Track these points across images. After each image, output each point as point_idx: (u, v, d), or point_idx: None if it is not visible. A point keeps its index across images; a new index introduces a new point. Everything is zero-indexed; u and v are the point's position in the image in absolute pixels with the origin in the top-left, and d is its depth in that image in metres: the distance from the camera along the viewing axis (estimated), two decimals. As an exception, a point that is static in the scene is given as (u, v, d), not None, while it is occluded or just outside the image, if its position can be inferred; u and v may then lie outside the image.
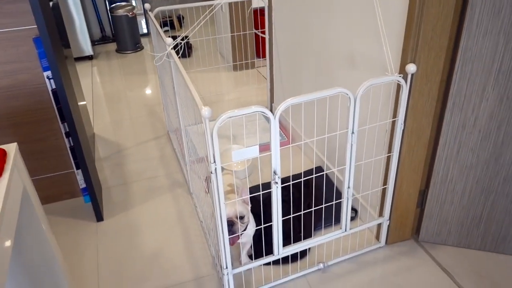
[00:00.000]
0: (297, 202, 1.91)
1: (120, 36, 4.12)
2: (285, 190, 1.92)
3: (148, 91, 3.39)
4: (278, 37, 2.49)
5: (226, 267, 1.47)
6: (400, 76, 1.37)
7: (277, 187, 1.37)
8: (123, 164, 2.41)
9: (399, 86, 1.44)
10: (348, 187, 1.52)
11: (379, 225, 1.75)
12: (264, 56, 3.80)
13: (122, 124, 2.88)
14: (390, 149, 1.57)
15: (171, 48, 1.67)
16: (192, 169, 2.07)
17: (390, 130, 1.55)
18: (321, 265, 1.65)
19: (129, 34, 4.11)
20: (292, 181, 2.01)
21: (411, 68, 1.35)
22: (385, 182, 1.65)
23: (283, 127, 2.64)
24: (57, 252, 1.32)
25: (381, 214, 1.72)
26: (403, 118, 1.46)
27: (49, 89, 1.78)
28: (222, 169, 1.32)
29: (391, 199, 1.65)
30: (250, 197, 1.56)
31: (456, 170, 1.57)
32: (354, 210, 1.93)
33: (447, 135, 1.51)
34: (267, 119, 1.27)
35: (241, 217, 1.47)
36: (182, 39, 1.91)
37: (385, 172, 1.63)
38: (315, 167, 2.25)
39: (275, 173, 1.34)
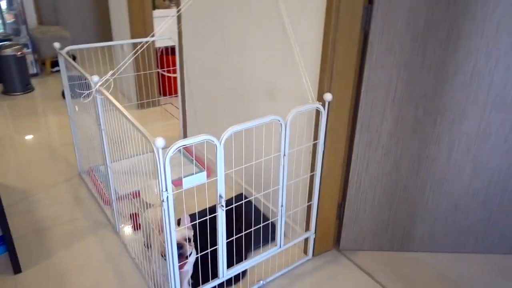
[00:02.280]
0: (229, 228, 1.99)
1: (7, 76, 3.83)
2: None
3: (46, 133, 3.20)
4: (190, 74, 2.61)
5: (175, 296, 1.49)
6: (320, 104, 1.59)
7: (222, 210, 1.45)
8: (33, 211, 2.24)
9: (318, 113, 1.66)
10: (282, 206, 1.67)
11: (306, 240, 1.92)
12: (167, 94, 3.87)
13: (23, 169, 2.67)
14: (312, 169, 1.77)
15: (99, 85, 1.68)
16: (117, 207, 2.03)
17: (312, 152, 1.76)
18: (261, 282, 1.75)
19: (17, 74, 3.85)
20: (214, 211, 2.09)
21: (328, 97, 1.58)
22: (309, 199, 1.83)
23: (199, 160, 2.72)
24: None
25: (308, 228, 1.90)
26: (323, 140, 1.68)
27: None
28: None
29: (315, 213, 1.84)
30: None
31: (367, 182, 1.83)
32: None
33: (358, 152, 1.77)
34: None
35: (189, 239, 1.51)
36: (113, 75, 1.92)
37: (309, 189, 1.83)
38: (237, 194, 2.37)
39: (221, 196, 1.43)
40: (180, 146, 1.26)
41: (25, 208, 2.26)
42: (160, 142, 1.22)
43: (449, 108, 1.68)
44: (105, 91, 1.66)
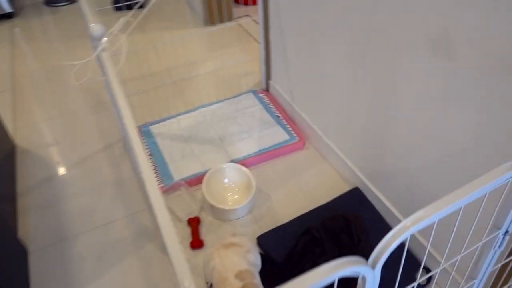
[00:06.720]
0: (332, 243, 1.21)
1: (46, -18, 3.05)
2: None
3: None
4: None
5: None
6: None
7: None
8: (57, 201, 1.59)
9: None
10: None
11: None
12: (246, 2, 2.87)
13: (56, 125, 1.99)
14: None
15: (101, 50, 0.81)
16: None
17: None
18: None
19: (59, -21, 3.05)
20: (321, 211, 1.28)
21: None
22: None
23: (290, 121, 1.84)
24: None
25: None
26: None
27: None
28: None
29: None
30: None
31: None
32: (426, 269, 1.24)
33: None
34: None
35: None
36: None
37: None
38: (352, 189, 1.50)
39: None
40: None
41: (48, 196, 1.61)
42: None
43: None
44: (106, 60, 0.79)
